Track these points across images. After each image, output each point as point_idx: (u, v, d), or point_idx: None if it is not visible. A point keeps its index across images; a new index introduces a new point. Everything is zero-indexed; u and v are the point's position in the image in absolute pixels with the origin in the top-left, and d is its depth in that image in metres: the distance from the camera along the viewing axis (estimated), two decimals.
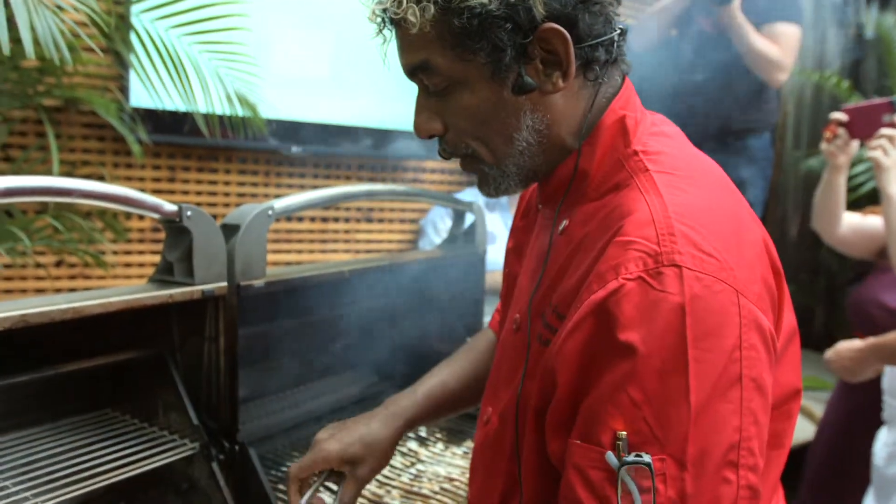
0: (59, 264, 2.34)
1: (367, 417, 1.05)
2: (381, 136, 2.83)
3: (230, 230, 1.21)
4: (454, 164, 3.13)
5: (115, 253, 2.40)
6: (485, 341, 1.19)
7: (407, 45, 0.81)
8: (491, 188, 0.86)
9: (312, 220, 2.78)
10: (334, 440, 1.00)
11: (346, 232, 2.86)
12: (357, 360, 1.87)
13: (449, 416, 1.17)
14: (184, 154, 2.49)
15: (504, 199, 2.85)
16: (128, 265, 2.45)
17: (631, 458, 0.67)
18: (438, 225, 2.81)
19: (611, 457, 0.68)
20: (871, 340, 1.87)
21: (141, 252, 2.47)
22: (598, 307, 0.70)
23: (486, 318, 2.16)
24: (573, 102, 0.81)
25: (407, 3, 0.76)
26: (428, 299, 1.80)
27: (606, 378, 0.69)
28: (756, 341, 0.70)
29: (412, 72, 0.82)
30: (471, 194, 2.79)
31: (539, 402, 0.79)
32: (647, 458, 0.66)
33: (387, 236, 2.98)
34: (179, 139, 2.40)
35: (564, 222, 0.84)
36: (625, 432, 0.68)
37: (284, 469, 1.55)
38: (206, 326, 1.20)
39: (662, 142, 0.82)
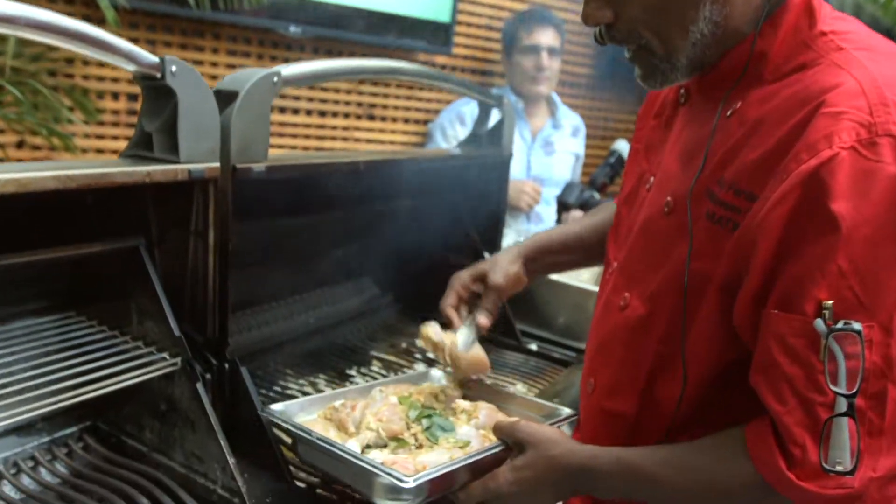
0: (20, 145, 2.07)
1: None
2: (389, 22, 2.53)
3: (225, 98, 0.97)
4: (468, 61, 2.81)
5: (86, 136, 2.13)
6: (610, 210, 1.25)
7: None
8: (657, 81, 0.88)
9: (308, 112, 2.51)
10: (465, 269, 1.21)
11: (345, 129, 2.61)
12: (360, 269, 1.70)
13: (570, 265, 1.34)
14: (165, 26, 2.19)
15: (520, 107, 2.60)
16: (100, 151, 2.19)
17: (840, 325, 0.70)
18: (448, 130, 2.56)
19: (819, 325, 0.71)
20: None
21: (115, 137, 2.20)
22: (810, 176, 0.72)
23: (506, 230, 1.96)
24: None
25: None
26: (444, 204, 1.59)
27: (813, 248, 0.72)
28: None
29: None
30: None
31: (727, 277, 0.80)
32: (857, 325, 0.70)
33: (389, 136, 2.72)
34: (161, 8, 2.10)
35: (737, 104, 0.84)
36: (830, 301, 0.71)
37: (277, 389, 1.37)
38: (192, 217, 0.98)
39: (846, 23, 0.84)
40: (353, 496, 1.03)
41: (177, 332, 1.00)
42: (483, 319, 1.17)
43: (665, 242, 0.89)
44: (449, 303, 1.19)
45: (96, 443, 1.12)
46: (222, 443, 0.98)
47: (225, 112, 0.96)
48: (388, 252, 1.62)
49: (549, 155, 2.64)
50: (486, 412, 1.04)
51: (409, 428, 0.99)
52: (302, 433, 0.96)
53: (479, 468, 0.91)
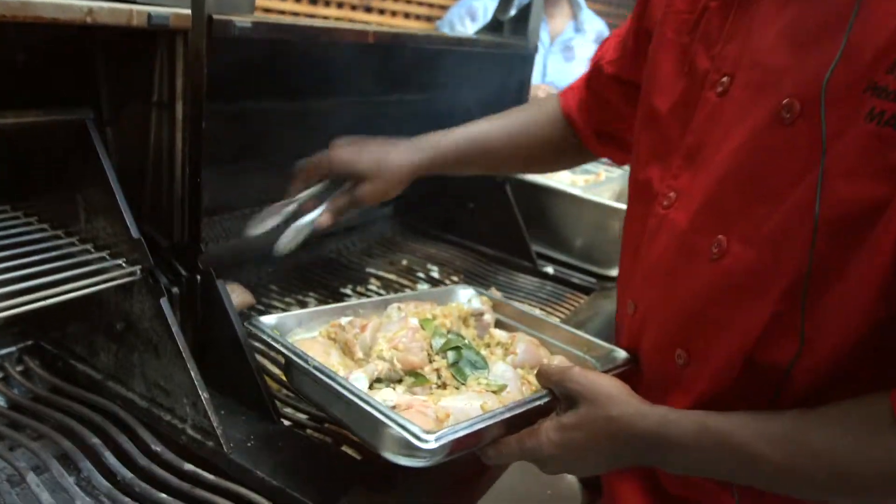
0: None
1: (391, 143, 1.02)
2: None
3: None
4: None
5: None
6: (549, 109, 1.11)
7: None
8: None
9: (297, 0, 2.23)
10: (350, 150, 0.99)
11: (338, 20, 2.33)
12: None
13: (479, 171, 1.15)
14: None
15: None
16: None
17: None
18: (457, 27, 2.30)
19: None
20: None
21: None
22: None
23: None
24: None
25: None
26: (456, 99, 1.37)
27: None
28: None
29: None
30: None
31: None
32: None
33: None
34: None
35: None
36: None
37: (260, 307, 1.19)
38: (154, 82, 0.75)
39: None
40: (351, 438, 0.84)
41: (135, 234, 0.80)
42: (326, 219, 0.97)
43: (788, 161, 0.67)
44: (306, 174, 1.00)
45: (39, 367, 0.93)
46: (193, 372, 0.79)
47: None
48: None
49: (568, 61, 2.39)
50: (525, 346, 0.84)
51: (430, 361, 0.79)
52: (295, 357, 0.75)
53: (517, 422, 0.71)
